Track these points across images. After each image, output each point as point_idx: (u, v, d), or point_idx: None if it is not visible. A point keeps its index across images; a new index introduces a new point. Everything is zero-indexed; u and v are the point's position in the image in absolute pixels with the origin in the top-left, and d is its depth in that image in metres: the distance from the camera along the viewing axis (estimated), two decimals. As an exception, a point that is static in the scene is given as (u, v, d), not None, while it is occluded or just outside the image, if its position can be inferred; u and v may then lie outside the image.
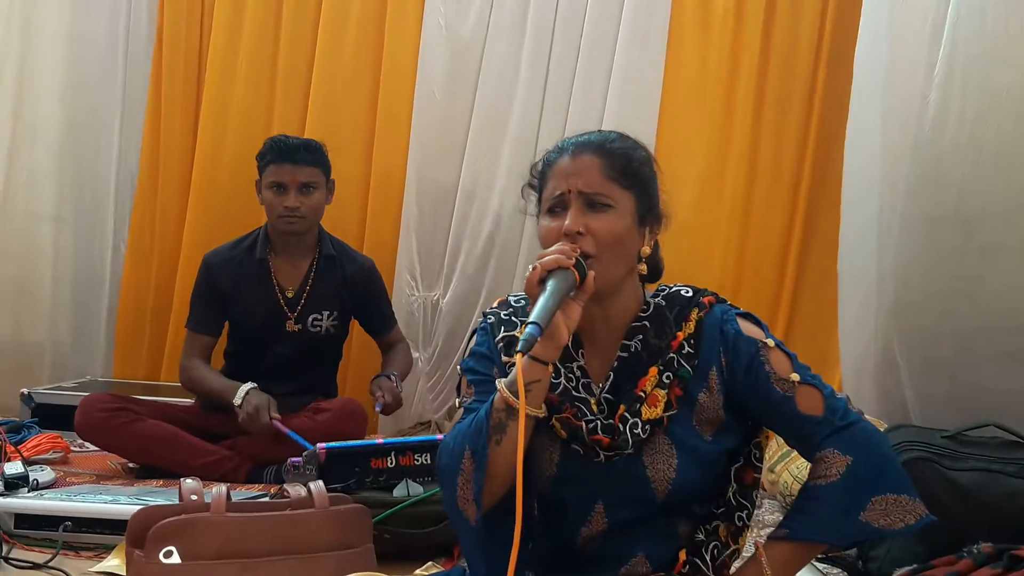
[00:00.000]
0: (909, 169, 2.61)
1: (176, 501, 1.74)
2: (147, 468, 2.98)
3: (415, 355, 3.91)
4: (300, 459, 2.32)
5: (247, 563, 1.59)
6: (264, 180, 3.17)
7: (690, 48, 3.78)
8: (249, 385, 3.01)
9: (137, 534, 1.61)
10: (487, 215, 3.89)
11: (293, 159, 3.13)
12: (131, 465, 3.06)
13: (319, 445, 2.27)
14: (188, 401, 3.26)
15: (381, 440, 2.38)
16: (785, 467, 2.63)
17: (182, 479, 1.71)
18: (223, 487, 1.66)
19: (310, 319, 3.21)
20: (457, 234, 3.94)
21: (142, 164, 4.07)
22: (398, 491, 2.24)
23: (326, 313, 3.23)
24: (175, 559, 1.56)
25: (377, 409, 3.12)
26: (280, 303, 3.20)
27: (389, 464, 2.28)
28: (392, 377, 3.21)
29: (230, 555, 1.59)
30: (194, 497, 1.62)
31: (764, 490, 2.78)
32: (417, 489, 2.23)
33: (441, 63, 3.92)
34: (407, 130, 3.93)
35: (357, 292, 3.30)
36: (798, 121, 3.72)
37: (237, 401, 2.96)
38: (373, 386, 3.21)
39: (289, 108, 3.98)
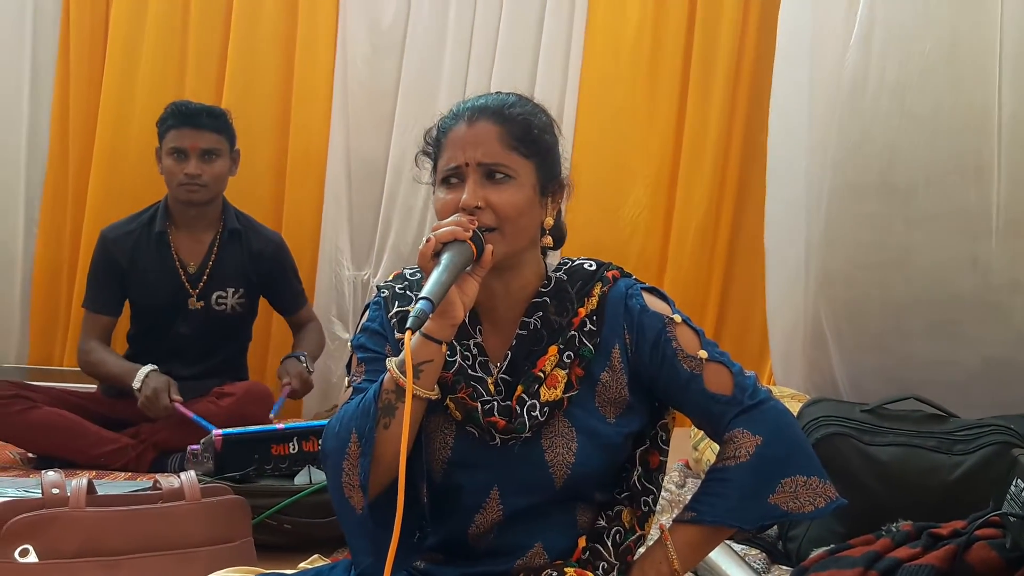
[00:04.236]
0: (837, 138, 2.55)
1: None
2: (46, 459, 2.83)
3: (344, 336, 3.81)
4: (199, 446, 2.21)
5: (110, 561, 1.48)
6: (164, 147, 3.04)
7: (612, 17, 3.71)
8: (148, 367, 2.88)
9: (-7, 531, 1.49)
10: (419, 191, 3.79)
11: (195, 124, 3.00)
12: (30, 455, 2.93)
13: (215, 431, 2.16)
14: (91, 387, 3.13)
15: (282, 425, 2.27)
16: (708, 445, 2.57)
17: (43, 471, 1.60)
18: (84, 479, 1.54)
19: (214, 296, 3.08)
20: (388, 211, 3.84)
21: (52, 138, 3.90)
22: (300, 478, 2.15)
23: (231, 290, 3.10)
24: (32, 558, 1.44)
25: (284, 394, 2.99)
26: (181, 279, 3.06)
27: (291, 450, 2.18)
28: (302, 359, 3.10)
29: (92, 553, 1.48)
30: (55, 491, 1.50)
31: (689, 469, 2.72)
32: (320, 476, 2.12)
33: (363, 33, 3.81)
34: (328, 102, 3.81)
35: (264, 268, 3.17)
36: (724, 91, 3.65)
37: (136, 384, 2.83)
38: (281, 370, 3.09)
39: (202, 78, 3.84)
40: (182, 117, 3.01)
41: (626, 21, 3.70)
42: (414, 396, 1.31)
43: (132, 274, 3.07)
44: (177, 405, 2.78)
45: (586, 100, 3.71)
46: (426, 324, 1.29)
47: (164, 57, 3.85)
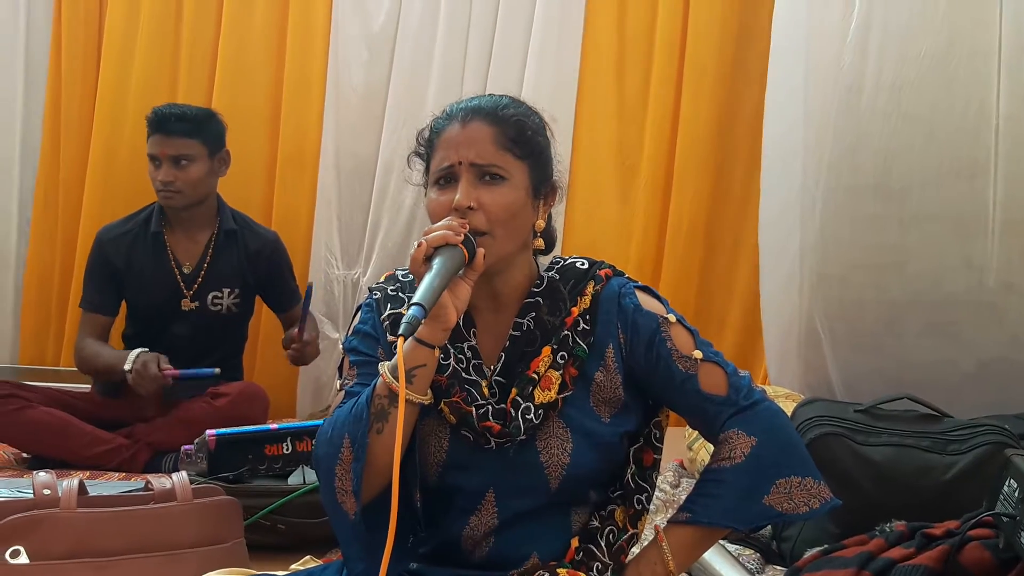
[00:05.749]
0: (833, 138, 2.55)
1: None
2: (40, 458, 2.83)
3: (334, 335, 3.80)
4: (192, 446, 2.20)
5: (101, 562, 1.47)
6: (147, 151, 3.04)
7: (608, 17, 3.70)
8: (140, 349, 2.86)
9: (-17, 532, 1.48)
10: (407, 188, 3.78)
11: (165, 130, 2.99)
12: (24, 455, 2.92)
13: (208, 432, 2.15)
14: (85, 387, 3.12)
15: (275, 425, 2.27)
16: (703, 445, 2.57)
17: (35, 472, 1.59)
18: (75, 480, 1.54)
19: (210, 297, 3.07)
20: (377, 209, 3.83)
21: (43, 139, 3.90)
22: (294, 479, 2.14)
23: (227, 291, 3.09)
24: (23, 559, 1.43)
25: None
26: (177, 280, 3.05)
27: (285, 450, 2.18)
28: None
29: (83, 554, 1.47)
30: (47, 491, 1.50)
31: (684, 469, 2.72)
32: (314, 476, 2.12)
33: (355, 31, 3.80)
34: (320, 101, 3.81)
35: (261, 268, 3.16)
36: (716, 90, 3.63)
37: (127, 366, 2.81)
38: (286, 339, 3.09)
39: (194, 79, 3.84)
40: (154, 124, 3.00)
41: (621, 21, 3.69)
42: (408, 401, 1.30)
43: (128, 275, 3.06)
44: (167, 371, 2.78)
45: (584, 100, 3.70)
46: (419, 329, 1.29)
47: (158, 58, 3.85)
